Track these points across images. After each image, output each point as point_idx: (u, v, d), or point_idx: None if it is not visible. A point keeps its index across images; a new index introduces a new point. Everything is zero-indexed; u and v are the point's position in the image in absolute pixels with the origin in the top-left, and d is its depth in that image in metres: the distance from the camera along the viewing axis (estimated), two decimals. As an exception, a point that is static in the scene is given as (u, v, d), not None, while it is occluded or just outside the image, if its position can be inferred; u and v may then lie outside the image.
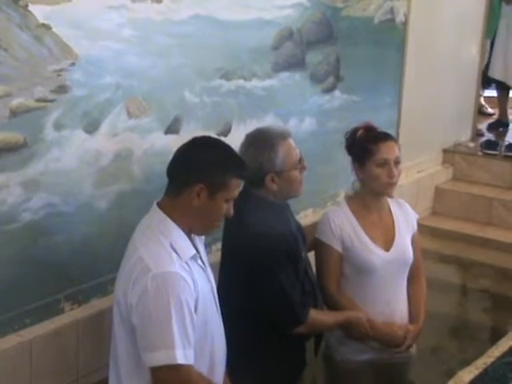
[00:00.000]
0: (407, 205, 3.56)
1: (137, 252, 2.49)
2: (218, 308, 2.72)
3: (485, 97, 7.48)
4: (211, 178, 2.53)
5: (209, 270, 2.68)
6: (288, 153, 3.06)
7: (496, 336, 3.67)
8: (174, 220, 2.54)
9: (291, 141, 3.10)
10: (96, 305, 3.15)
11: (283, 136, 3.09)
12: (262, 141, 3.06)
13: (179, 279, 2.43)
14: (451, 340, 4.19)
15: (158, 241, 2.49)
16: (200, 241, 2.70)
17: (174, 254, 2.48)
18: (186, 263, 2.51)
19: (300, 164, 3.11)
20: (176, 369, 2.41)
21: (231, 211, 2.62)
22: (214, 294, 2.68)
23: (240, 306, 3.01)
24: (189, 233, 2.59)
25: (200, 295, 2.52)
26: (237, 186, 2.60)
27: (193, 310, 2.47)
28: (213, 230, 2.71)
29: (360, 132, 3.35)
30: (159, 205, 2.59)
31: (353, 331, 3.25)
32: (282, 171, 3.05)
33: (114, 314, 2.57)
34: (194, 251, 2.57)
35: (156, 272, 2.41)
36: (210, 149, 2.61)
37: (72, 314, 3.12)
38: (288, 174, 3.07)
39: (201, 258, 2.64)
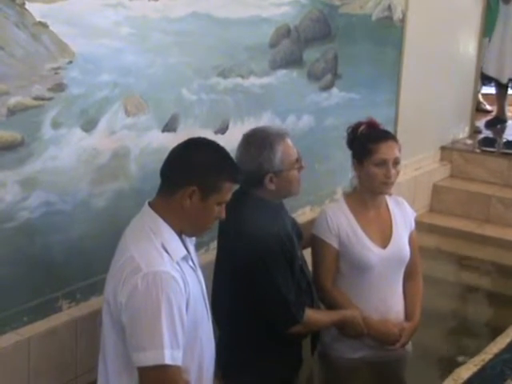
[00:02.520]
0: (405, 203, 3.55)
1: (128, 251, 2.48)
2: (209, 310, 2.70)
3: (482, 94, 7.48)
4: (204, 180, 2.51)
5: (199, 271, 2.66)
6: (286, 152, 3.05)
7: (494, 333, 3.67)
8: (165, 220, 2.53)
9: (289, 140, 3.09)
10: (94, 303, 3.15)
11: (281, 135, 3.08)
12: (261, 141, 3.05)
13: (170, 279, 2.41)
14: (449, 337, 4.19)
15: (149, 240, 2.48)
16: (190, 242, 2.68)
17: (165, 254, 2.46)
18: (177, 264, 2.49)
19: (298, 163, 3.11)
20: (163, 369, 2.39)
21: (223, 214, 2.61)
22: (204, 296, 2.66)
23: (236, 305, 3.02)
24: (180, 233, 2.58)
25: (191, 296, 2.50)
26: (229, 190, 2.59)
27: (183, 310, 2.45)
28: (203, 232, 2.70)
29: (362, 128, 3.33)
30: (151, 204, 2.58)
31: (348, 329, 3.25)
32: (281, 171, 3.04)
33: (104, 314, 2.55)
34: (185, 252, 2.56)
35: (147, 271, 2.40)
36: (204, 151, 2.59)
37: (70, 313, 3.12)
38: (286, 174, 3.06)
39: (191, 259, 2.63)
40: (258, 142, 3.05)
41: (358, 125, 3.36)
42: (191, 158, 2.55)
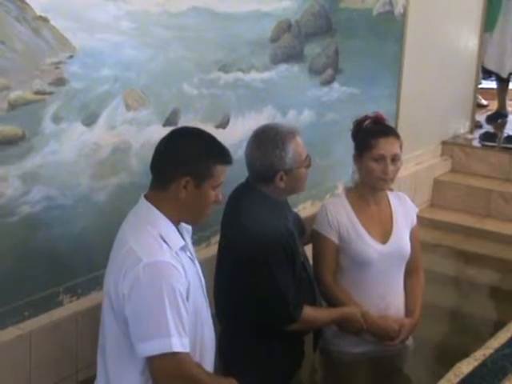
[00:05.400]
0: (407, 198, 3.55)
1: (127, 243, 2.49)
2: (207, 299, 2.71)
3: (479, 88, 7.46)
4: (196, 168, 2.52)
5: (196, 261, 2.68)
6: (297, 151, 3.06)
7: (495, 327, 3.67)
8: (162, 212, 2.54)
9: (299, 138, 3.10)
10: (95, 297, 3.15)
11: (292, 134, 3.09)
12: (272, 139, 3.04)
13: (171, 268, 2.43)
14: (449, 332, 4.20)
15: (148, 232, 2.49)
16: (187, 233, 2.70)
17: (164, 245, 2.48)
18: (176, 253, 2.51)
19: (306, 161, 3.11)
20: (173, 357, 2.40)
21: (220, 197, 2.62)
22: (202, 285, 2.68)
23: (236, 299, 3.02)
24: (177, 224, 2.60)
25: (191, 285, 2.52)
26: (222, 172, 2.59)
27: (185, 298, 2.47)
28: (204, 218, 2.69)
29: (367, 122, 3.32)
30: (146, 197, 2.59)
31: (347, 326, 3.25)
32: (291, 169, 3.05)
33: (105, 308, 2.56)
34: (184, 242, 2.58)
35: (148, 261, 2.41)
36: (190, 140, 2.60)
37: (71, 307, 3.13)
38: (296, 172, 3.07)
39: (189, 249, 2.64)
40: (270, 140, 3.04)
41: (364, 118, 3.35)
42: (179, 149, 2.56)
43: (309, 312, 3.10)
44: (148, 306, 2.40)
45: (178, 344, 2.40)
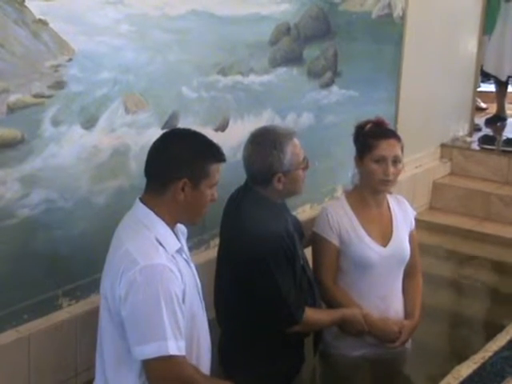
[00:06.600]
0: (406, 202, 3.56)
1: (123, 246, 2.49)
2: (203, 302, 2.71)
3: (478, 91, 7.47)
4: (192, 170, 2.53)
5: (192, 264, 2.68)
6: (295, 153, 3.07)
7: (494, 330, 3.67)
8: (157, 215, 2.54)
9: (296, 140, 3.10)
10: (94, 301, 3.14)
11: (289, 135, 3.10)
12: (270, 141, 3.05)
13: (167, 271, 2.44)
14: (448, 335, 4.20)
15: (143, 234, 2.50)
16: (182, 235, 2.70)
17: (160, 248, 2.49)
18: (172, 256, 2.52)
19: (304, 163, 3.12)
20: (169, 360, 2.40)
21: (215, 195, 2.62)
22: (198, 288, 2.68)
23: (236, 303, 3.02)
24: (173, 226, 2.60)
25: (187, 288, 2.53)
26: (217, 171, 2.60)
27: (181, 301, 2.48)
28: (201, 218, 2.70)
29: (369, 126, 3.34)
30: (141, 200, 2.59)
31: (348, 327, 3.25)
32: (289, 171, 3.05)
33: (102, 309, 2.56)
34: (180, 245, 2.59)
35: (144, 264, 2.42)
36: (183, 142, 2.61)
37: (70, 310, 3.13)
38: (294, 174, 3.08)
39: (184, 251, 2.65)
40: (268, 142, 3.05)
41: (366, 122, 3.36)
42: (173, 151, 2.57)
43: (310, 314, 3.11)
44: (144, 309, 2.40)
45: (175, 347, 2.40)
